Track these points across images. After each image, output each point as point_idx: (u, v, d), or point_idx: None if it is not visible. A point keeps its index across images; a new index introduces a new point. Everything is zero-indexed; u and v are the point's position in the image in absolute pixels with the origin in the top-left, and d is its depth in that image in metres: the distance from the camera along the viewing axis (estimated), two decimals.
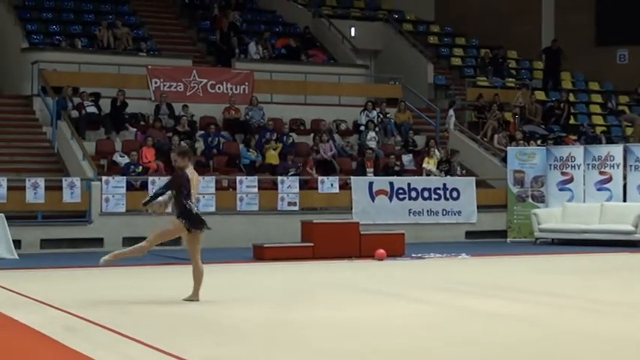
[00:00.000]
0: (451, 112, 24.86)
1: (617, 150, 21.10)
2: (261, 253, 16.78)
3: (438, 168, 22.07)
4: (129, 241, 18.83)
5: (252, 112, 23.00)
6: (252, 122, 22.77)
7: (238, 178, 20.06)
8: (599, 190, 20.85)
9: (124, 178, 19.26)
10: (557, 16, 30.52)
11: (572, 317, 9.74)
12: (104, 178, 19.08)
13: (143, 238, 19.70)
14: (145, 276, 14.48)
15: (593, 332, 8.76)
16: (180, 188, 10.74)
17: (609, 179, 20.78)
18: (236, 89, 23.51)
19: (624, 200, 20.53)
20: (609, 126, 27.56)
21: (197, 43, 26.96)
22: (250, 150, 21.55)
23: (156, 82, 22.86)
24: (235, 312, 10.17)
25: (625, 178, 20.71)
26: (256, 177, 20.26)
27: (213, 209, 19.39)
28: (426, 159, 22.22)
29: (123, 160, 20.26)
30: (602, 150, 21.42)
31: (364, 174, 21.41)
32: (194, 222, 10.85)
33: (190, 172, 10.81)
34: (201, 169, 20.43)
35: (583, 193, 21.06)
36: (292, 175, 20.65)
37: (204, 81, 23.26)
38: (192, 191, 10.82)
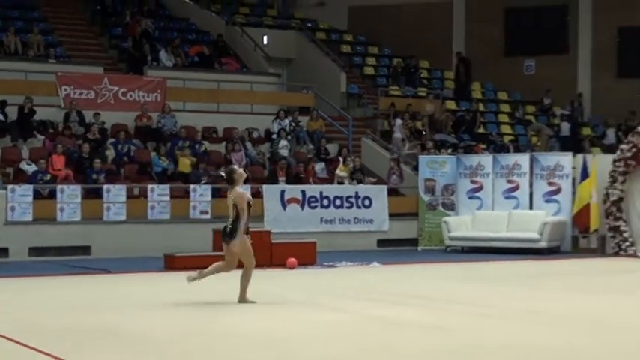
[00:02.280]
0: (399, 121, 25.08)
1: (523, 159, 21.54)
2: (172, 263, 16.63)
3: (351, 177, 22.21)
4: (35, 251, 18.53)
5: (165, 119, 22.83)
6: (164, 130, 22.60)
7: (150, 186, 19.86)
8: (506, 198, 21.25)
9: (31, 186, 18.90)
10: (468, 27, 31.06)
11: (483, 325, 9.87)
12: (10, 186, 18.69)
13: (51, 248, 19.41)
14: (54, 286, 14.22)
15: (505, 340, 8.90)
16: None
17: (516, 188, 21.19)
18: (148, 97, 23.31)
19: (530, 208, 20.96)
20: (517, 135, 28.12)
21: (109, 50, 26.67)
22: (162, 158, 21.38)
23: (66, 90, 22.52)
24: (147, 322, 10.07)
25: (531, 186, 21.14)
26: (168, 185, 20.10)
27: (123, 218, 19.19)
28: (340, 167, 22.34)
29: (30, 168, 19.89)
30: (510, 159, 21.84)
31: (276, 182, 21.44)
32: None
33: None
34: (112, 178, 20.23)
35: (492, 202, 21.42)
36: (204, 183, 20.54)
37: (116, 88, 23.02)
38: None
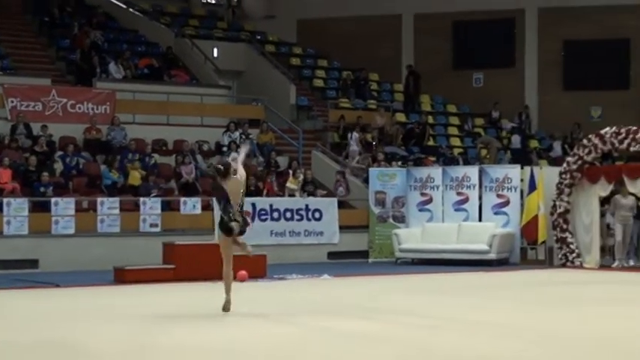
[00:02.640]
0: (355, 134, 25.13)
1: (473, 171, 21.74)
2: (122, 276, 16.52)
3: (302, 189, 22.23)
4: None
5: (114, 132, 22.69)
6: (113, 143, 22.46)
7: (99, 199, 19.71)
8: (456, 210, 21.42)
9: None
10: (417, 40, 31.29)
11: (433, 337, 9.93)
12: None
13: None
14: (0, 300, 14.04)
15: (455, 352, 8.96)
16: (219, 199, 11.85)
17: (466, 200, 21.37)
18: (97, 109, 23.16)
19: (480, 220, 21.15)
20: (466, 148, 28.36)
21: (56, 61, 26.40)
22: (112, 171, 21.22)
23: (12, 102, 22.28)
24: (98, 336, 9.97)
25: (480, 198, 21.34)
26: (118, 198, 19.96)
27: (72, 231, 19.01)
28: (290, 179, 22.35)
29: None
30: (460, 171, 22.02)
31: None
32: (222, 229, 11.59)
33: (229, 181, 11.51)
34: (61, 191, 20.04)
35: (442, 214, 21.57)
36: (154, 196, 20.44)
37: (64, 100, 22.82)
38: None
